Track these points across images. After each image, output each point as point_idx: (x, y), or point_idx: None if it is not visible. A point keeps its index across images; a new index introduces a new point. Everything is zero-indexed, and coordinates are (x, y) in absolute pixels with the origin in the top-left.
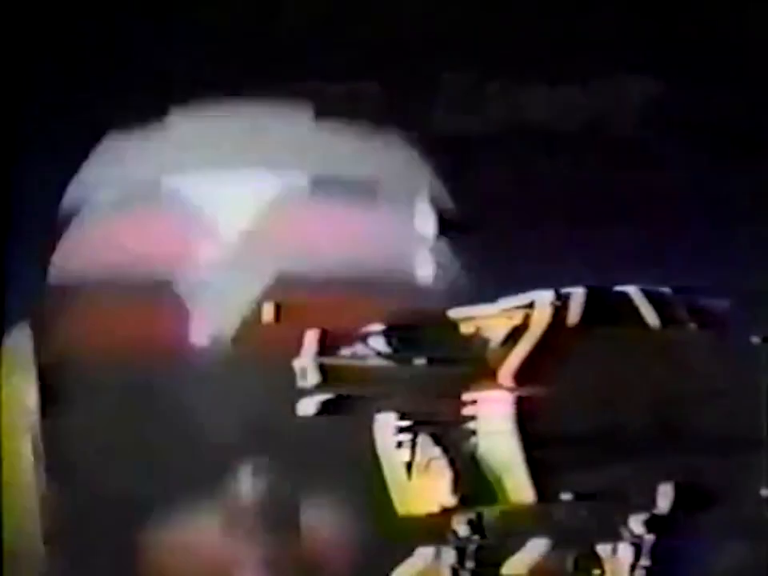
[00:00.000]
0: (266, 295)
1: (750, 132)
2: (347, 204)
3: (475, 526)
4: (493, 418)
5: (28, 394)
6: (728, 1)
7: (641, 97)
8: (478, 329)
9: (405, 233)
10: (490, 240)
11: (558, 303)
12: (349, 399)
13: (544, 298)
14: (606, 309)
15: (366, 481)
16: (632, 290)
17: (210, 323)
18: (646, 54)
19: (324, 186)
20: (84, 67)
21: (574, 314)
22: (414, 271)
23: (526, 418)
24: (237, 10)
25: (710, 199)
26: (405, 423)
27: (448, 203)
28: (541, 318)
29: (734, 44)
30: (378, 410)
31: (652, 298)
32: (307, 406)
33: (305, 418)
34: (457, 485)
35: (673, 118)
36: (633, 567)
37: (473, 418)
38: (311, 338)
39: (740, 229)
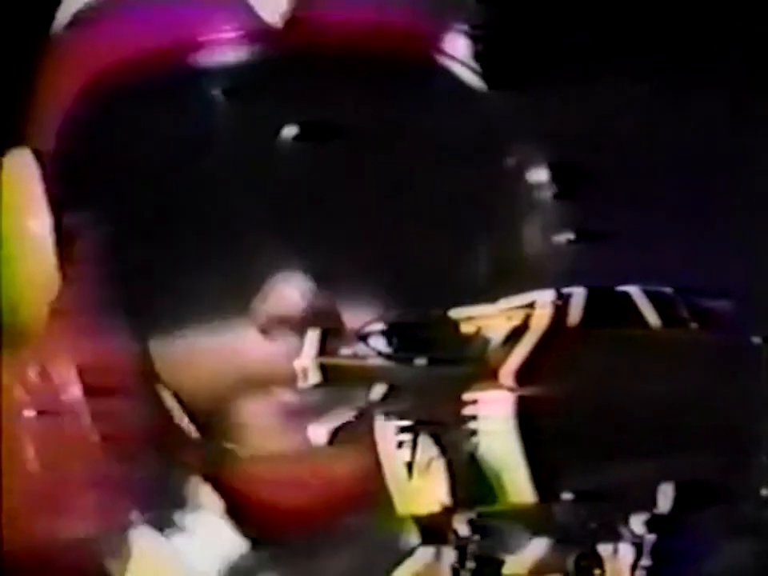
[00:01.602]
0: None
1: (749, 132)
2: None
3: (476, 525)
4: (493, 418)
5: None
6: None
7: (639, 98)
8: (478, 329)
9: None
10: None
11: (559, 303)
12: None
13: (545, 298)
14: (607, 309)
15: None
16: (633, 290)
17: None
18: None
19: None
20: None
21: (574, 314)
22: None
23: (526, 418)
24: None
25: (710, 199)
26: (405, 423)
27: None
28: (541, 317)
29: (732, 47)
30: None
31: (653, 298)
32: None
33: None
34: (457, 485)
35: (673, 119)
36: (633, 567)
37: (473, 418)
38: (311, 338)
39: (741, 229)
